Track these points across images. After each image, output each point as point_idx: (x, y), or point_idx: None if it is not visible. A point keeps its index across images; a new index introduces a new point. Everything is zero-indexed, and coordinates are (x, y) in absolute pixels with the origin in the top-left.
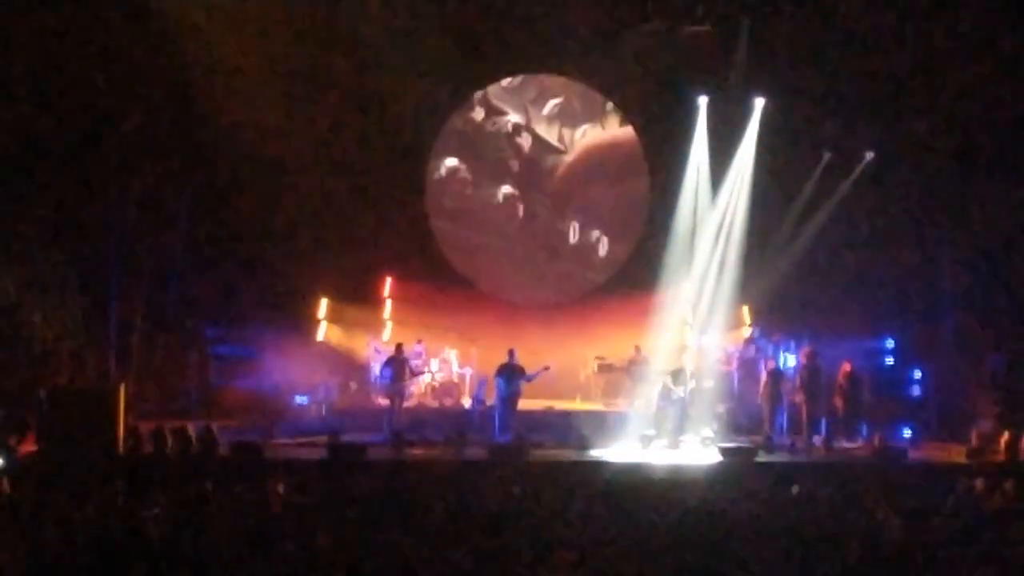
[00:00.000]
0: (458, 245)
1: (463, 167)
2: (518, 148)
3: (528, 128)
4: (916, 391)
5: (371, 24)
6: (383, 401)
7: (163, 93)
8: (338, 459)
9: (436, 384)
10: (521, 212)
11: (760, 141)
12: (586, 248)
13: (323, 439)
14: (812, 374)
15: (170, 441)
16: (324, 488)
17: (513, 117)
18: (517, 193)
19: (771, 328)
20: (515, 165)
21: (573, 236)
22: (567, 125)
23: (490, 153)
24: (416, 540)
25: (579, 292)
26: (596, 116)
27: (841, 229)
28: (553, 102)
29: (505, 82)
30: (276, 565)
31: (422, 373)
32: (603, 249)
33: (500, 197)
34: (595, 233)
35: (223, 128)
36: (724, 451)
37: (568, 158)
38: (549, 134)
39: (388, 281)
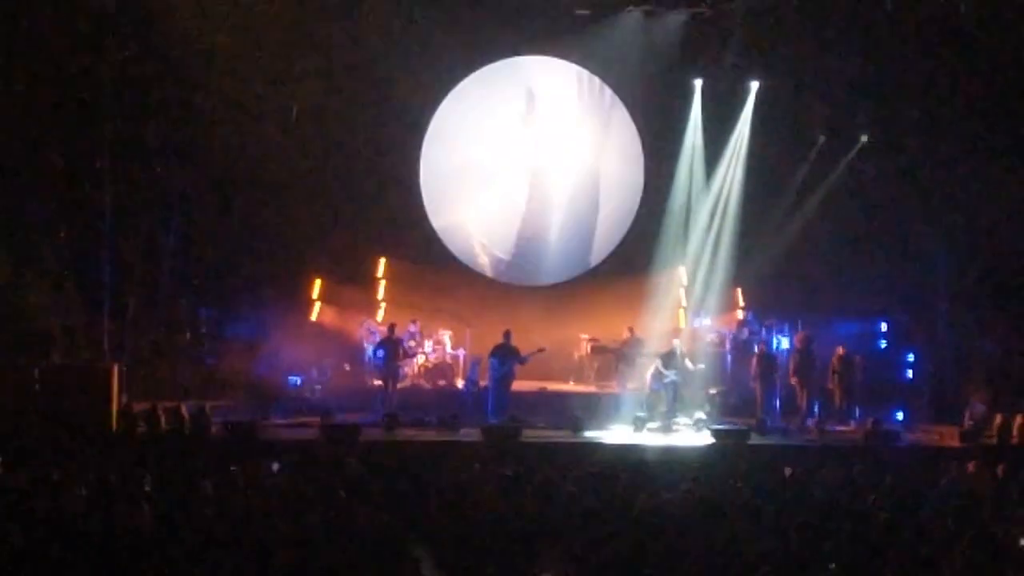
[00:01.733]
0: (452, 226)
1: (457, 148)
2: (512, 129)
3: (522, 109)
4: (909, 374)
5: (366, 5)
6: (377, 382)
7: (157, 76)
8: (331, 439)
9: (430, 365)
10: (514, 194)
11: (755, 124)
12: (580, 230)
13: (316, 419)
14: (806, 357)
15: (163, 421)
16: (317, 468)
17: (507, 98)
18: (511, 174)
19: (764, 311)
20: (509, 147)
21: (567, 218)
22: (560, 107)
23: (484, 134)
24: (408, 521)
25: (573, 274)
26: (589, 98)
27: (835, 212)
28: (547, 83)
29: (499, 63)
30: (268, 544)
31: (416, 354)
32: (598, 231)
33: (494, 179)
34: (589, 215)
35: (217, 110)
36: (717, 433)
37: (562, 140)
38: (543, 115)
39: (382, 262)
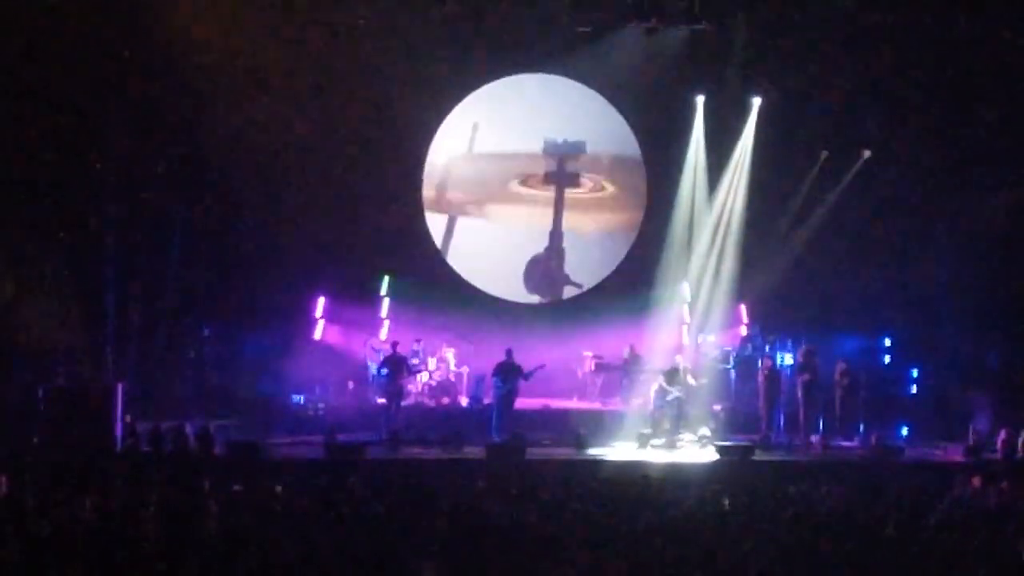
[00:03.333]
0: (455, 243)
1: (459, 166)
2: (515, 146)
3: (524, 126)
4: (913, 389)
5: (369, 23)
6: (380, 400)
7: (160, 92)
8: (335, 458)
9: (433, 383)
10: (517, 210)
11: (757, 140)
12: (583, 247)
13: (320, 439)
14: (810, 373)
15: (167, 440)
16: (321, 488)
17: (509, 115)
18: (514, 191)
19: (768, 326)
20: (512, 163)
21: (570, 235)
22: (562, 123)
23: (485, 152)
24: (413, 540)
25: (576, 291)
26: (591, 115)
27: (838, 227)
28: (549, 100)
29: (502, 81)
30: (272, 564)
31: (419, 372)
32: (600, 248)
33: (497, 196)
34: (592, 232)
35: (220, 126)
36: (721, 450)
37: (564, 156)
38: (545, 132)
39: (386, 280)
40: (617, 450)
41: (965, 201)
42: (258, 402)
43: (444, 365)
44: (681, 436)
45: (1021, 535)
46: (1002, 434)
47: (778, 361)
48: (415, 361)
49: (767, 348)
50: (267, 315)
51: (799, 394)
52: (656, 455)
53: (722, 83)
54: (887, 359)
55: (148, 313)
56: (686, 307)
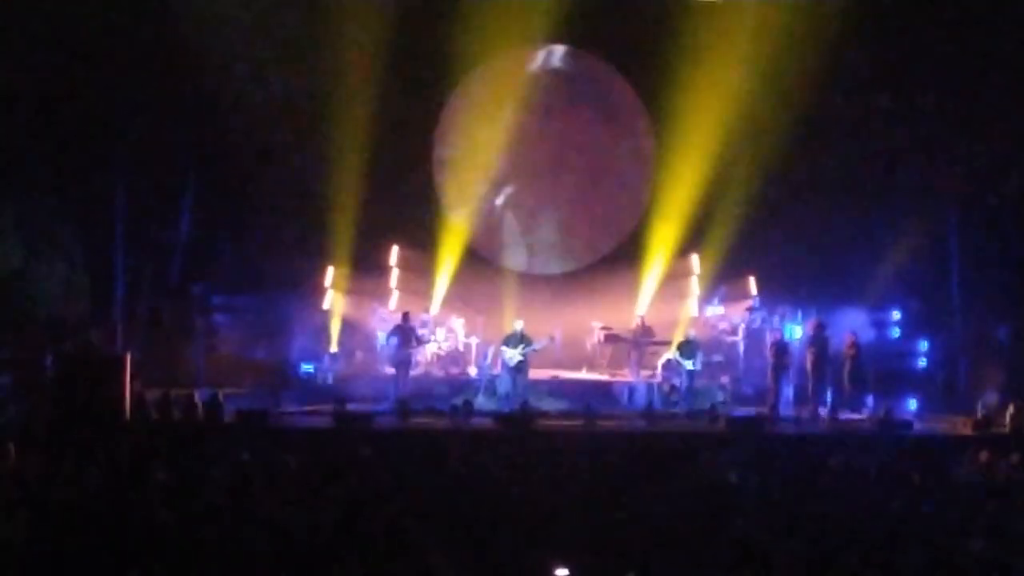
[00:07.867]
0: (464, 213)
1: (470, 136)
2: (525, 116)
3: (535, 95)
4: (922, 363)
5: None
6: (389, 370)
7: (172, 62)
8: (344, 428)
9: (442, 353)
10: (528, 180)
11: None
12: (592, 218)
13: (329, 408)
14: (819, 345)
15: (176, 408)
16: (329, 457)
17: (520, 85)
18: (524, 161)
19: (777, 299)
20: (523, 133)
21: (579, 206)
22: (574, 94)
23: (497, 122)
24: (420, 509)
25: (585, 261)
26: (603, 85)
27: (848, 199)
28: (562, 70)
29: (514, 50)
30: (280, 531)
31: (427, 342)
32: (610, 219)
33: (507, 165)
34: (602, 202)
35: (231, 97)
36: (730, 422)
37: (575, 127)
38: (556, 101)
39: (394, 250)
40: (625, 422)
41: (977, 173)
42: (267, 371)
43: (453, 335)
44: (690, 408)
45: None
46: (1011, 408)
47: (786, 334)
48: (423, 331)
49: (775, 321)
50: (276, 284)
51: (807, 367)
52: (664, 426)
53: (734, 54)
54: (896, 332)
55: (158, 281)
56: (695, 279)
